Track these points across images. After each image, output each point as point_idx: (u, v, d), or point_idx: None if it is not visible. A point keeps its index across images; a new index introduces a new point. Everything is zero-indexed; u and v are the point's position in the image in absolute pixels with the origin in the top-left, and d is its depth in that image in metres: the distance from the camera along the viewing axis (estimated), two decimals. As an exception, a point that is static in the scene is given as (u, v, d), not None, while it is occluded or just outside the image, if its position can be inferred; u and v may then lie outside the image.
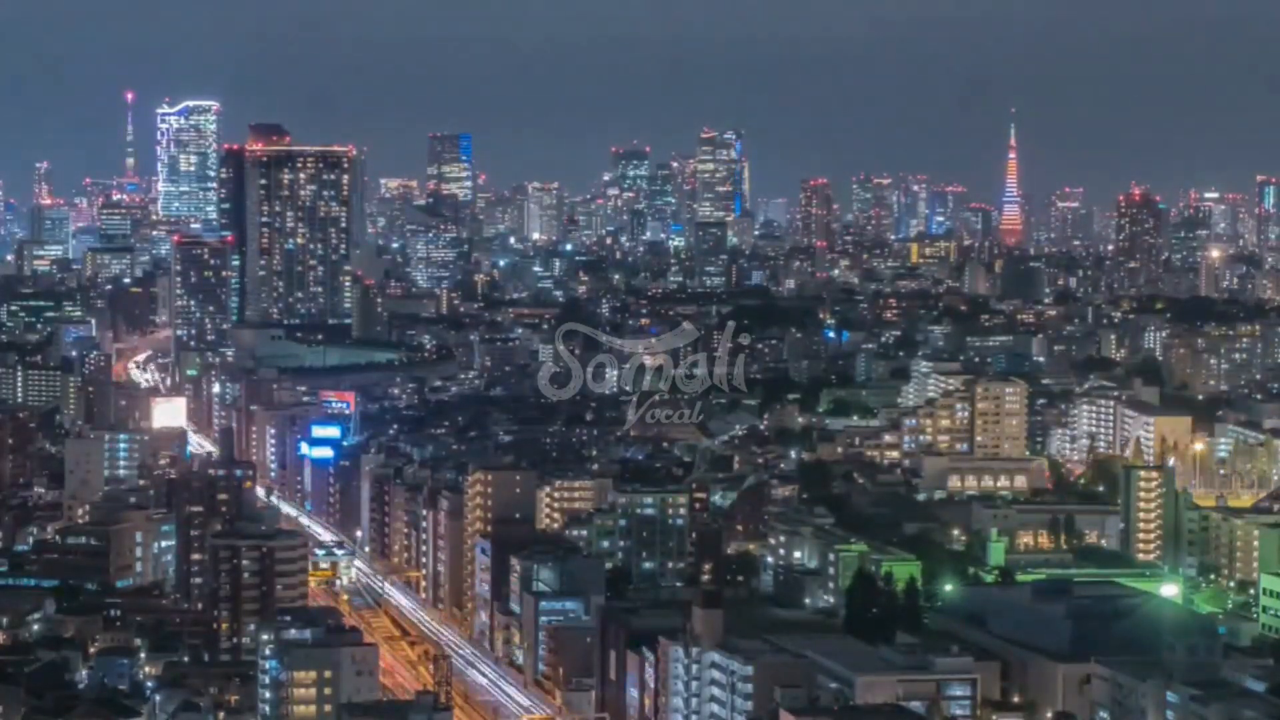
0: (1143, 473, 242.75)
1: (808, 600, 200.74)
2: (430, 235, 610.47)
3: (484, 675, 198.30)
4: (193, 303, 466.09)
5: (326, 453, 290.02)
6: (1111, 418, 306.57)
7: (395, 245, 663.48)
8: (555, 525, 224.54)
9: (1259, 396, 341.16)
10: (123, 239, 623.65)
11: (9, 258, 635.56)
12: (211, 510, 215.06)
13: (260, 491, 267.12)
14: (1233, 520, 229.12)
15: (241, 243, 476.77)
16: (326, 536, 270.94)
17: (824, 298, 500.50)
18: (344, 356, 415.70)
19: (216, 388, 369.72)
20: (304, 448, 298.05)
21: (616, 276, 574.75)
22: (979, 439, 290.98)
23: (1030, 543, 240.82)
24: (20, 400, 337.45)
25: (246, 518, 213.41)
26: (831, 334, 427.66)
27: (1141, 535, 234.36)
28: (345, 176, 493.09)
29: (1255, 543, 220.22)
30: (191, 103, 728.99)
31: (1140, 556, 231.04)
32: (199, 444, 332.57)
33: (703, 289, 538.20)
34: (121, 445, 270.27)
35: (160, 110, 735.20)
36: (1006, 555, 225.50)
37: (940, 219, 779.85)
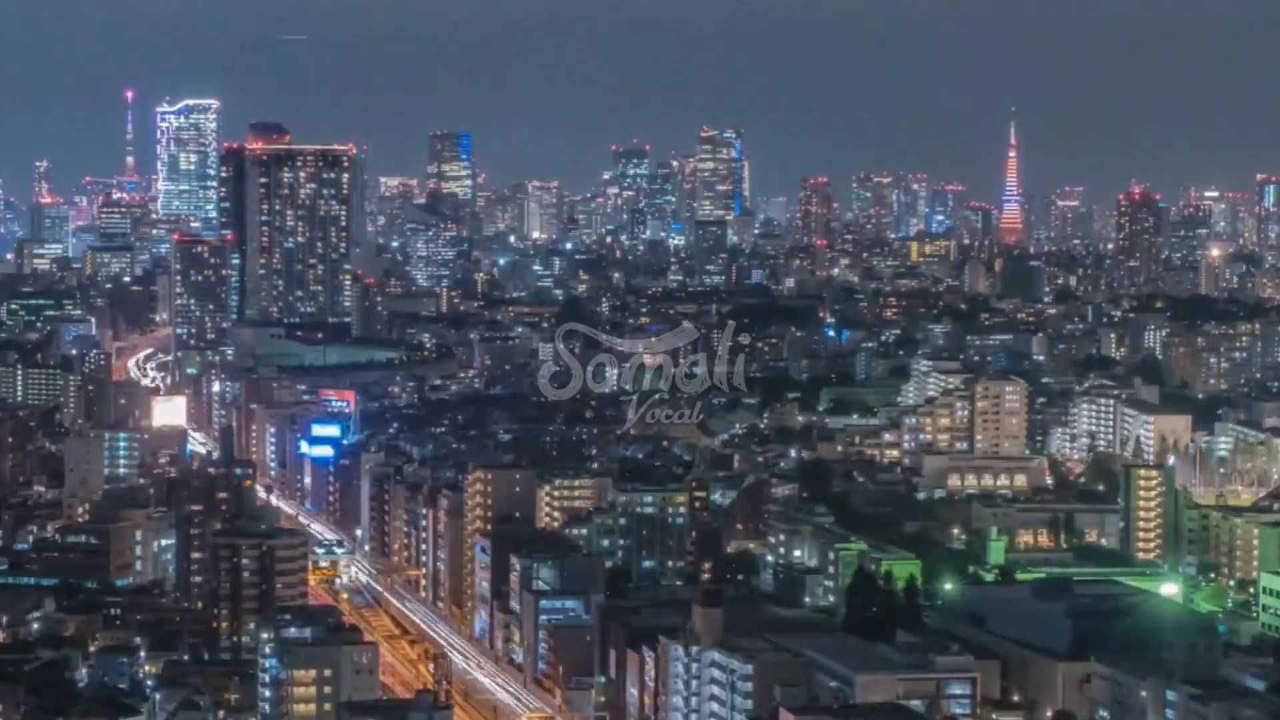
0: (1142, 471, 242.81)
1: (807, 599, 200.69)
2: (430, 234, 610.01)
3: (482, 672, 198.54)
4: (193, 301, 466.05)
5: (326, 451, 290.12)
6: (1111, 416, 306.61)
7: (395, 244, 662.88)
8: (555, 524, 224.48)
9: (1259, 395, 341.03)
10: (122, 238, 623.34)
11: (9, 256, 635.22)
12: (211, 509, 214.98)
13: (260, 490, 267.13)
14: (1232, 519, 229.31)
15: (241, 241, 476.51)
16: (327, 535, 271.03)
17: (824, 296, 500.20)
18: (344, 355, 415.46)
19: (216, 386, 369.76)
20: (304, 446, 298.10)
21: (616, 275, 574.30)
22: (979, 438, 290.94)
23: (1030, 541, 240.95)
24: (20, 399, 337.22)
25: (246, 516, 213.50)
26: (831, 333, 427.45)
27: (1141, 534, 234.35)
28: (345, 175, 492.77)
29: (1255, 541, 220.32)
30: (191, 101, 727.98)
31: (1140, 555, 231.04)
32: (199, 443, 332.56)
33: (703, 288, 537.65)
34: (121, 444, 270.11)
35: (160, 109, 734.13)
36: (1006, 554, 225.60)
37: (940, 218, 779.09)
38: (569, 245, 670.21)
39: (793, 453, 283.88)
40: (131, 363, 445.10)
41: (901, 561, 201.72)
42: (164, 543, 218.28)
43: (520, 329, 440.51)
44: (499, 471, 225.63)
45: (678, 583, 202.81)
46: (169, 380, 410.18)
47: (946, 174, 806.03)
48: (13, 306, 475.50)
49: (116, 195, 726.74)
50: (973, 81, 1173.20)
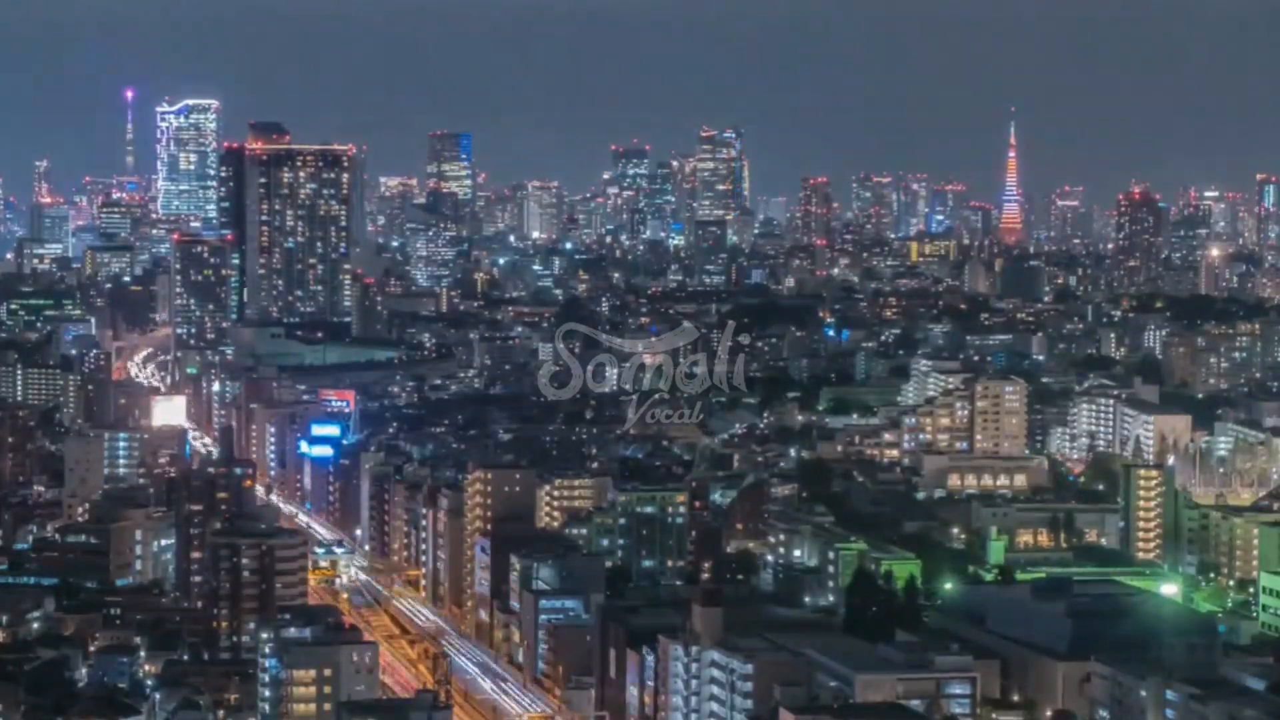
0: (1142, 471, 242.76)
1: (807, 599, 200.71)
2: (430, 234, 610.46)
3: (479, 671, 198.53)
4: (192, 301, 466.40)
5: (326, 451, 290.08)
6: (1111, 416, 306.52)
7: (395, 244, 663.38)
8: (555, 523, 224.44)
9: (1259, 395, 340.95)
10: (122, 237, 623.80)
11: (9, 256, 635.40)
12: (211, 509, 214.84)
13: (260, 490, 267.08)
14: (1232, 519, 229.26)
15: (241, 241, 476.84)
16: (326, 535, 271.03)
17: (824, 296, 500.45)
18: (344, 355, 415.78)
19: (216, 386, 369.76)
20: (304, 446, 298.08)
21: (616, 275, 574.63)
22: (979, 437, 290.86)
23: (1030, 541, 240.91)
24: (20, 399, 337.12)
25: (246, 516, 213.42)
26: (831, 332, 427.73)
27: (1141, 534, 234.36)
28: (345, 175, 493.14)
29: (1255, 541, 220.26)
30: (191, 101, 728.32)
31: (1140, 555, 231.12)
32: (199, 442, 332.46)
33: (703, 288, 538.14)
34: (121, 444, 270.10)
35: (160, 109, 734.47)
36: (1006, 554, 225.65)
37: (940, 217, 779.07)
38: (569, 245, 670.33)
39: (793, 453, 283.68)
40: (131, 363, 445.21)
41: (901, 561, 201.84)
42: (164, 543, 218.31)
43: (520, 329, 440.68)
44: (499, 471, 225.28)
45: (678, 583, 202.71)
46: (169, 380, 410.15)
47: (946, 174, 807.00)
48: (13, 306, 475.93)
49: (116, 195, 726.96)
50: (973, 81, 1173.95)
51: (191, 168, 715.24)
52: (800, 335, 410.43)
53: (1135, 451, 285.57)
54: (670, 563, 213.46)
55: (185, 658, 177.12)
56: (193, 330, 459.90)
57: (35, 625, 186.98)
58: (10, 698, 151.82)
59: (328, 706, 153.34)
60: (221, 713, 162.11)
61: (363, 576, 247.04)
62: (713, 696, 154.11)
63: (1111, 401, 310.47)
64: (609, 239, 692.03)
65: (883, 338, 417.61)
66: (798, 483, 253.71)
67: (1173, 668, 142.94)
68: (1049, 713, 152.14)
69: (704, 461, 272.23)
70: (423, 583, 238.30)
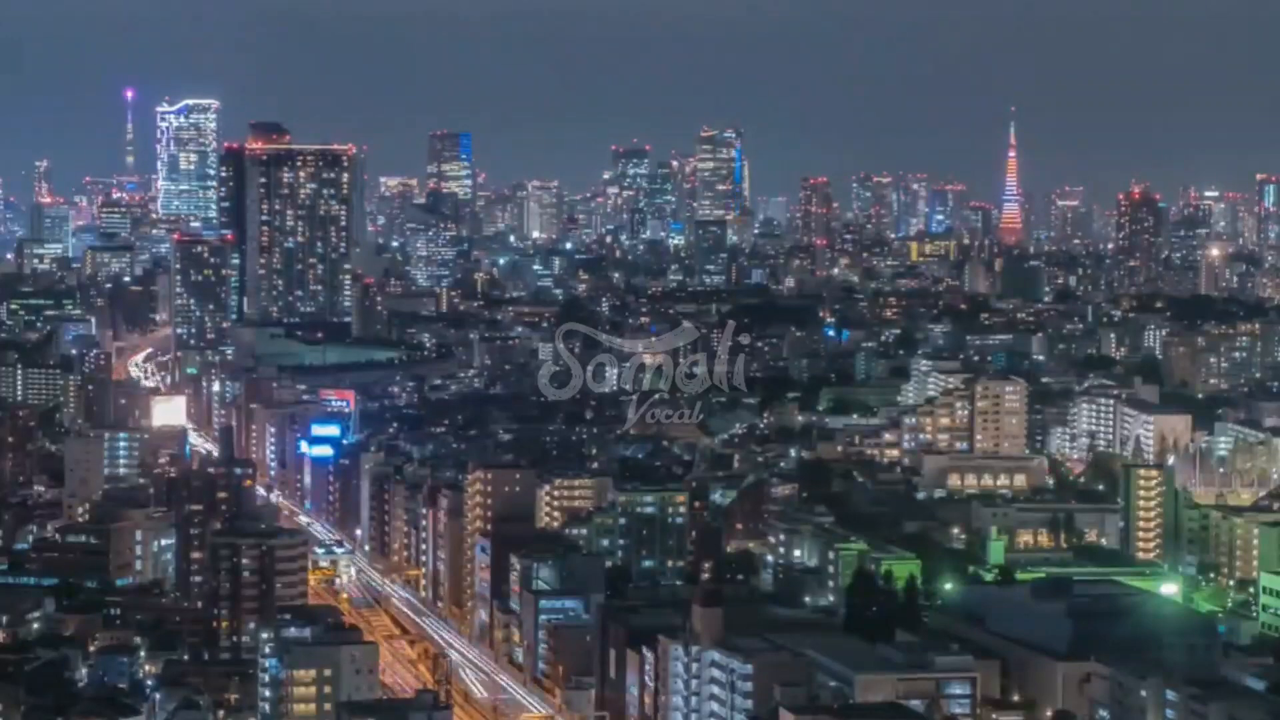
0: (1142, 471, 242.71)
1: (807, 599, 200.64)
2: (430, 234, 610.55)
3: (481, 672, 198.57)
4: (193, 301, 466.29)
5: (326, 451, 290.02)
6: (1111, 416, 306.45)
7: (395, 244, 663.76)
8: (555, 524, 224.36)
9: (1259, 395, 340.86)
10: (122, 237, 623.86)
11: (9, 256, 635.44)
12: (211, 509, 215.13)
13: (260, 490, 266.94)
14: (1232, 519, 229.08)
15: (241, 241, 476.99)
16: (326, 535, 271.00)
17: (824, 296, 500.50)
18: (344, 355, 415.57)
19: (216, 386, 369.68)
20: (304, 446, 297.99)
21: (616, 275, 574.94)
22: (979, 437, 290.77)
23: (1030, 541, 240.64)
24: (20, 399, 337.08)
25: (246, 516, 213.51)
26: (831, 332, 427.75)
27: (1141, 534, 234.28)
28: (345, 175, 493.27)
29: (1255, 541, 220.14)
30: (191, 101, 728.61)
31: (1140, 555, 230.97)
32: (199, 443, 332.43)
33: (703, 288, 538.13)
34: (121, 444, 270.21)
35: (160, 108, 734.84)
36: (1006, 554, 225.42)
37: (940, 217, 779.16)
38: (569, 245, 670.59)
39: (793, 453, 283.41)
40: (131, 363, 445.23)
41: (901, 561, 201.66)
42: (164, 543, 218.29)
43: (520, 329, 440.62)
44: (499, 471, 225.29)
45: (677, 582, 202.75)
46: (169, 380, 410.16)
47: (946, 174, 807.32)
48: (13, 306, 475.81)
49: (116, 195, 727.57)
50: (973, 81, 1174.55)
51: (191, 168, 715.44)
52: (800, 335, 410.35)
53: (1135, 451, 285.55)
54: (670, 563, 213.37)
55: (185, 658, 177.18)
56: (193, 330, 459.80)
57: (35, 625, 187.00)
58: (10, 698, 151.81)
59: (328, 706, 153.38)
60: (221, 713, 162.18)
61: (363, 577, 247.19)
62: (713, 696, 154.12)
63: (1111, 401, 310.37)
64: (609, 239, 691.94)
65: (883, 338, 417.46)
66: (798, 483, 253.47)
67: (1173, 668, 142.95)
68: (1049, 713, 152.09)
69: (704, 461, 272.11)
70: (423, 583, 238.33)
